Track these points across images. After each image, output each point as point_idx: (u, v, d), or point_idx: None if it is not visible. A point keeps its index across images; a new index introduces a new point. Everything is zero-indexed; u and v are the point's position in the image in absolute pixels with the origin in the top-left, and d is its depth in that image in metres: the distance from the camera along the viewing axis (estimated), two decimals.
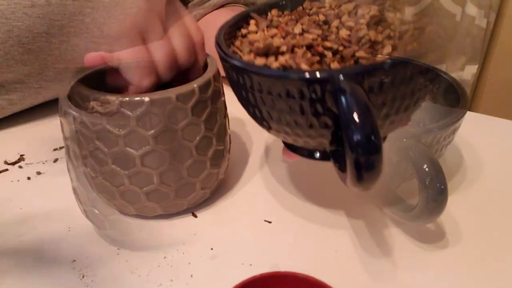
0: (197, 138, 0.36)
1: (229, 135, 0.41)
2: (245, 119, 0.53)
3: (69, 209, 0.38)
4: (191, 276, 0.33)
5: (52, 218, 0.39)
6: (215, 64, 0.38)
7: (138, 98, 0.33)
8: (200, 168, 0.37)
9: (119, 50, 0.35)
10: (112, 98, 0.33)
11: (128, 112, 0.33)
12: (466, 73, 1.02)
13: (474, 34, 0.97)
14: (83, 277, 0.33)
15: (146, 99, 0.33)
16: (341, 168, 0.28)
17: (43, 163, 0.47)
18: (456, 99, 0.39)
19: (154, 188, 0.36)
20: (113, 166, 0.34)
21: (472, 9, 0.95)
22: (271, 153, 0.47)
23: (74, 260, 0.35)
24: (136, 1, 0.36)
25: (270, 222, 0.38)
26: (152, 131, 0.33)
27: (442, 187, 0.31)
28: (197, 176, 0.37)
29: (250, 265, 0.34)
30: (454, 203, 0.40)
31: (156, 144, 0.34)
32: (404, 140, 0.33)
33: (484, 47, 1.00)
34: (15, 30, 0.43)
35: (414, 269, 0.34)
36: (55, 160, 0.47)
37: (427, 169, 0.32)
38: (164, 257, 0.35)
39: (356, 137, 0.23)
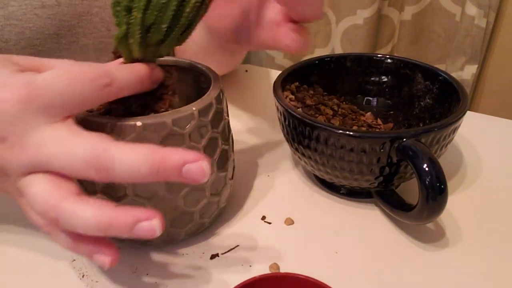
0: None
1: (233, 160, 0.38)
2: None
3: None
4: (191, 277, 0.33)
5: None
6: (219, 82, 0.35)
7: (129, 123, 0.30)
8: (198, 197, 0.34)
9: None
10: (103, 120, 0.30)
11: (118, 138, 0.30)
12: (465, 73, 1.02)
13: (473, 34, 0.97)
14: (83, 276, 0.34)
15: (139, 123, 0.30)
16: (389, 204, 0.37)
17: None
18: (456, 99, 0.39)
19: None
20: (103, 195, 0.32)
21: (471, 9, 0.94)
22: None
23: (74, 260, 0.35)
24: None
25: (270, 223, 0.38)
26: None
27: (442, 187, 0.31)
28: (195, 206, 0.34)
29: (250, 266, 0.34)
30: (454, 203, 0.40)
31: None
32: (404, 140, 0.33)
33: (484, 47, 1.00)
34: (26, 32, 0.42)
35: (414, 269, 0.34)
36: None
37: (427, 169, 0.32)
38: (164, 257, 0.35)
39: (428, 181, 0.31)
